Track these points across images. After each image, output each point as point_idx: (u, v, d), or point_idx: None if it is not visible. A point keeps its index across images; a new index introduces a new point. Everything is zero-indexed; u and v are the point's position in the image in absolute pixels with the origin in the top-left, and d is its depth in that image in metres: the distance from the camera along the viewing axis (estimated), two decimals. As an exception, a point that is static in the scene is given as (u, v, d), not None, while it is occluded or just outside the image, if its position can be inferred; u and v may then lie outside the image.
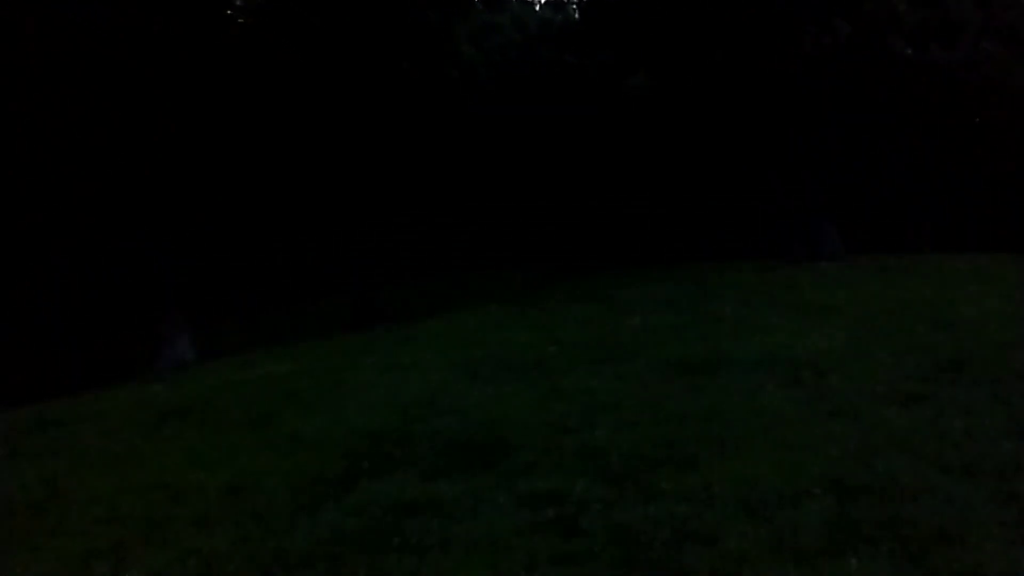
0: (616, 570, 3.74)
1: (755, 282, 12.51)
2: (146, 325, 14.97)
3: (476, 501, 4.68)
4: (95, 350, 17.17)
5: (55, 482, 6.07)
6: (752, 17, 15.24)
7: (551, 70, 21.13)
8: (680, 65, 17.36)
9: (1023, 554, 3.54)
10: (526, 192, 22.29)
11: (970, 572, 3.43)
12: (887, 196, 21.30)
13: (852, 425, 5.30)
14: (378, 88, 16.12)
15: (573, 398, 6.65)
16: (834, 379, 6.42)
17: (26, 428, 8.26)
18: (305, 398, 7.87)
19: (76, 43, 12.26)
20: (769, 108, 16.43)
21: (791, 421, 5.49)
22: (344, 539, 4.37)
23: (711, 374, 6.93)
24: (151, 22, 12.56)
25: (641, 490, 4.57)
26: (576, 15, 22.33)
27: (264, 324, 18.81)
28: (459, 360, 8.69)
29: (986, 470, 4.37)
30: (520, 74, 21.44)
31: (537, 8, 24.97)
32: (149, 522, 5.01)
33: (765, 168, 17.71)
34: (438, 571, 3.91)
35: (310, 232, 20.53)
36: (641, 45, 17.46)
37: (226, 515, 4.97)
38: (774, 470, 4.64)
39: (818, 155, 16.01)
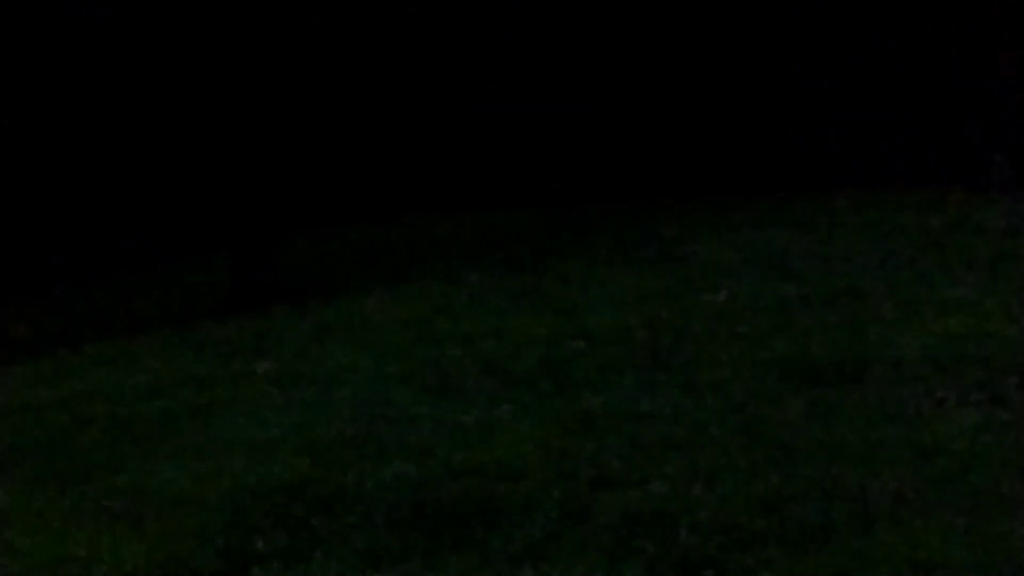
0: None
1: (921, 225, 12.48)
2: None
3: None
4: None
5: None
6: None
7: None
8: None
9: None
10: (523, 71, 22.14)
11: None
12: None
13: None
14: None
15: (613, 429, 6.66)
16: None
17: None
18: (153, 431, 7.83)
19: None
20: None
21: (990, 463, 5.48)
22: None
23: (853, 384, 6.96)
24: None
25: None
26: None
27: (86, 306, 18.75)
28: (416, 365, 8.69)
29: None
30: None
31: None
32: None
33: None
34: None
35: (165, 161, 20.53)
36: None
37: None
38: (962, 551, 4.59)
39: None
